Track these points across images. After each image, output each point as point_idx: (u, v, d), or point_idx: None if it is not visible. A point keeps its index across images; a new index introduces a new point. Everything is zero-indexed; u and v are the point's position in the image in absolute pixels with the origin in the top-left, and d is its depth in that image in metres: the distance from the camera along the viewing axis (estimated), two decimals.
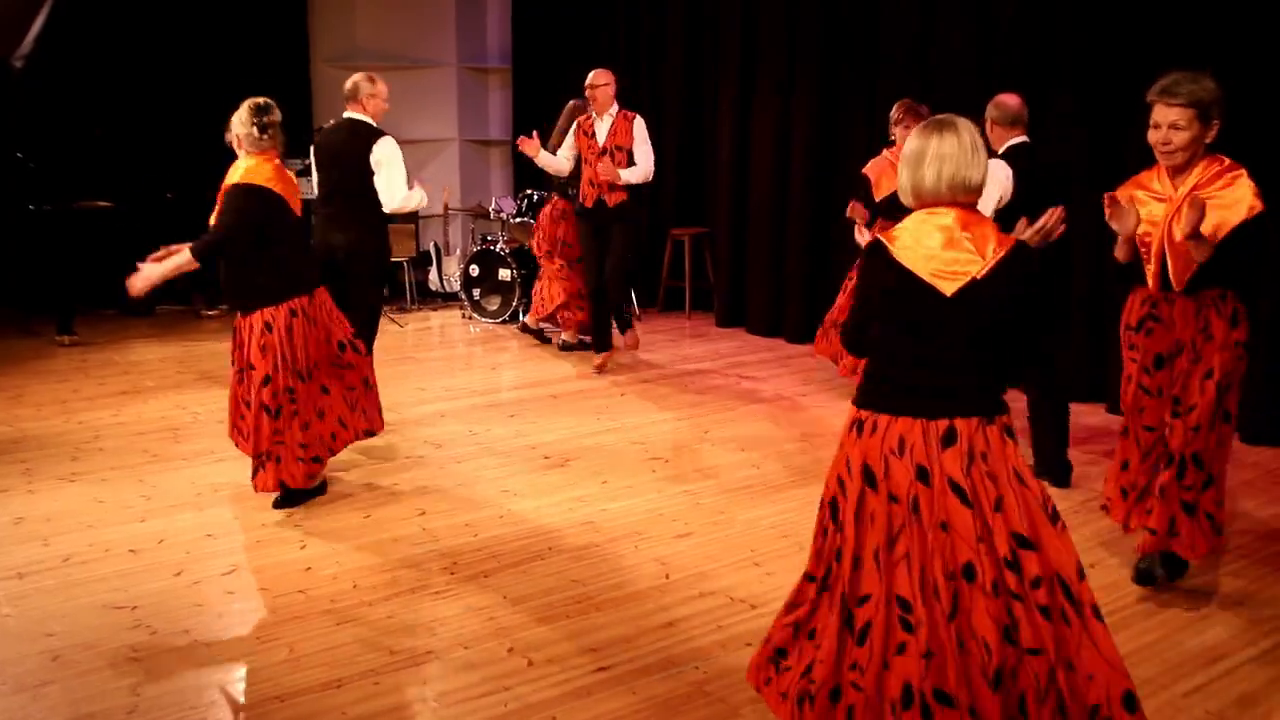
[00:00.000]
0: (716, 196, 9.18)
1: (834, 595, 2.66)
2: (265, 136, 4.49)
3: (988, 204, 4.62)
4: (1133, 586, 3.83)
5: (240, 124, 4.49)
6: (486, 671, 3.26)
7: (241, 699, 3.12)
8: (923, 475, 2.53)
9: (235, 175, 4.47)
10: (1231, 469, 5.18)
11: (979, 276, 2.53)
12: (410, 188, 5.51)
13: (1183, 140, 3.43)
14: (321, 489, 4.74)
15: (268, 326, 4.42)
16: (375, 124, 5.56)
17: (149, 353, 7.74)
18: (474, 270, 8.88)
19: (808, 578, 2.76)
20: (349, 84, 5.64)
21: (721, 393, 6.67)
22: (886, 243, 2.64)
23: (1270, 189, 3.40)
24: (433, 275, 9.89)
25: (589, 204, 6.92)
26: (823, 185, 7.90)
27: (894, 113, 5.99)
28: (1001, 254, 2.55)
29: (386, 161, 5.44)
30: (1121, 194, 3.60)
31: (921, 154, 2.60)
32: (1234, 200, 3.44)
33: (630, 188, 6.83)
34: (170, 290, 9.31)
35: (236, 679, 3.23)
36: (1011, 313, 2.56)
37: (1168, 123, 3.44)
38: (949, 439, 2.53)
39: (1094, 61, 6.15)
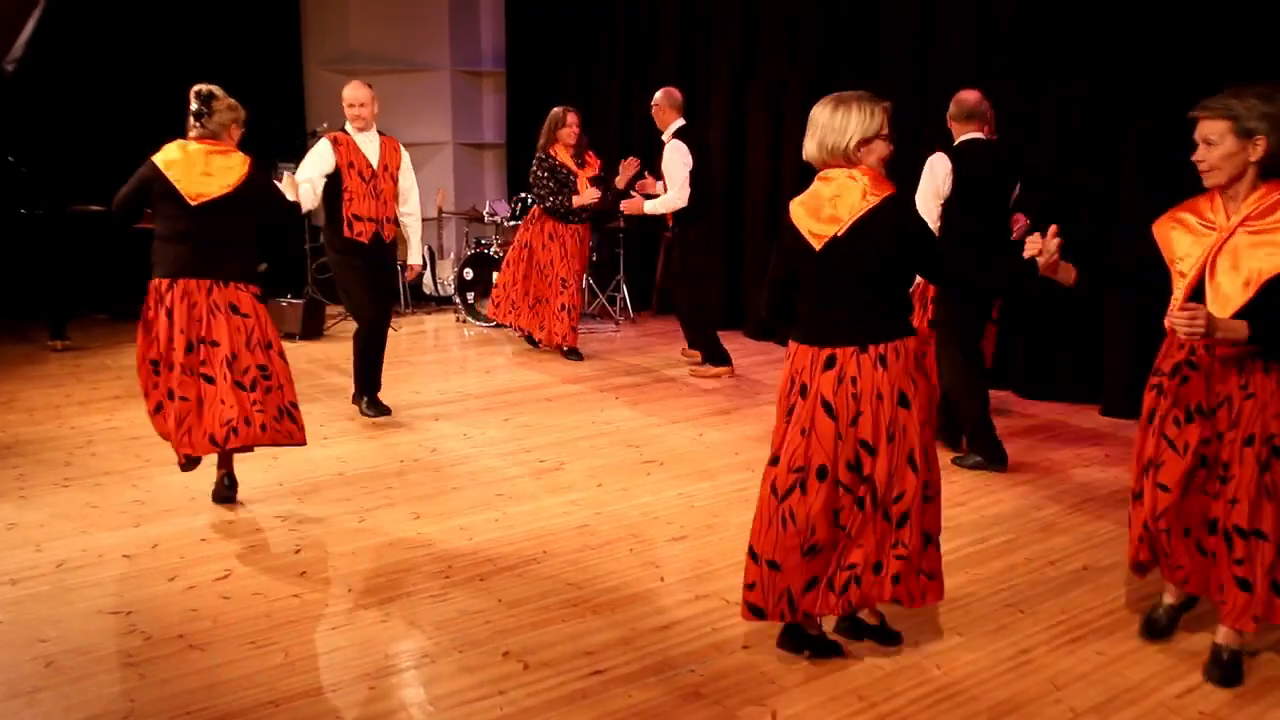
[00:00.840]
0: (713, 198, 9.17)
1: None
2: (198, 123, 4.76)
3: (924, 195, 5.24)
4: (1124, 590, 3.84)
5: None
6: (482, 675, 3.26)
7: (236, 705, 3.12)
8: (802, 391, 3.18)
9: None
10: None
11: (839, 235, 3.09)
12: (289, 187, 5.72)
13: (1215, 157, 3.08)
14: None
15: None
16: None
17: None
18: (468, 274, 8.88)
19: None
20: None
21: (715, 395, 6.68)
22: (790, 208, 3.24)
23: None
24: (427, 279, 9.89)
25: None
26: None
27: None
28: (861, 213, 3.07)
29: None
30: (1163, 223, 3.26)
31: (809, 125, 3.20)
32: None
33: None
34: None
35: (231, 684, 3.22)
36: (877, 262, 3.09)
37: (1201, 137, 3.11)
38: (829, 364, 3.14)
39: (1094, 61, 6.16)
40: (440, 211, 9.82)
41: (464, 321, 9.00)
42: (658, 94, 7.09)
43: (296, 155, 9.01)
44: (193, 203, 4.46)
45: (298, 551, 4.22)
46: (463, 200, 10.60)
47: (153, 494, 4.89)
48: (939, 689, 3.16)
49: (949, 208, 5.15)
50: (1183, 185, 3.36)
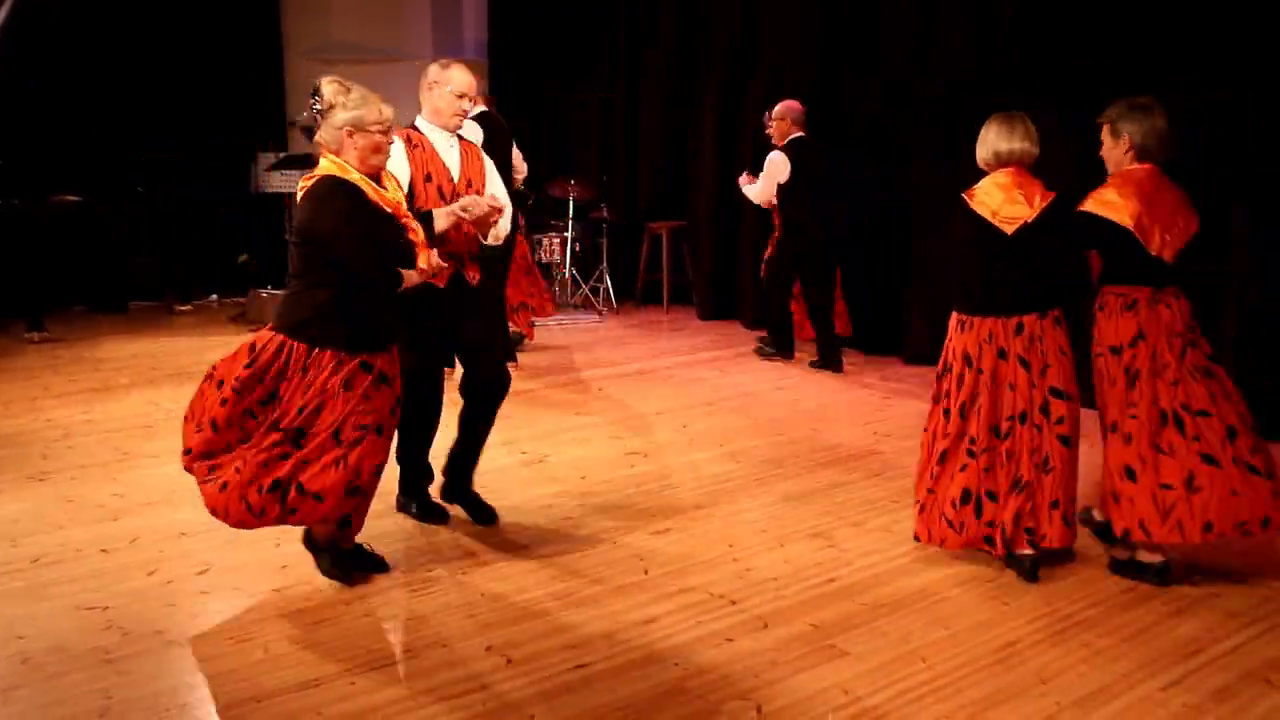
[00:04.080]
0: (699, 190, 9.17)
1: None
2: None
3: (765, 185, 6.97)
4: (1112, 580, 3.84)
5: None
6: (465, 670, 3.23)
7: (217, 700, 3.08)
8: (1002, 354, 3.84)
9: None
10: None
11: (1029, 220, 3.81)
12: None
13: (1103, 152, 3.93)
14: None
15: None
16: None
17: (121, 349, 7.66)
18: None
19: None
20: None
21: (700, 386, 6.66)
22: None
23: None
24: None
25: None
26: None
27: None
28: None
29: None
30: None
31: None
32: None
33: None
34: (142, 286, 9.28)
35: (211, 680, 3.18)
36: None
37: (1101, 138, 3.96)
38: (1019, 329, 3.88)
39: (1094, 60, 6.15)
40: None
41: None
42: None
43: (277, 145, 8.99)
44: None
45: (278, 545, 4.18)
46: None
47: (131, 488, 4.83)
48: (924, 682, 3.15)
49: (784, 195, 6.84)
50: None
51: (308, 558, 4.00)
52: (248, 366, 3.52)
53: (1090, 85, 6.13)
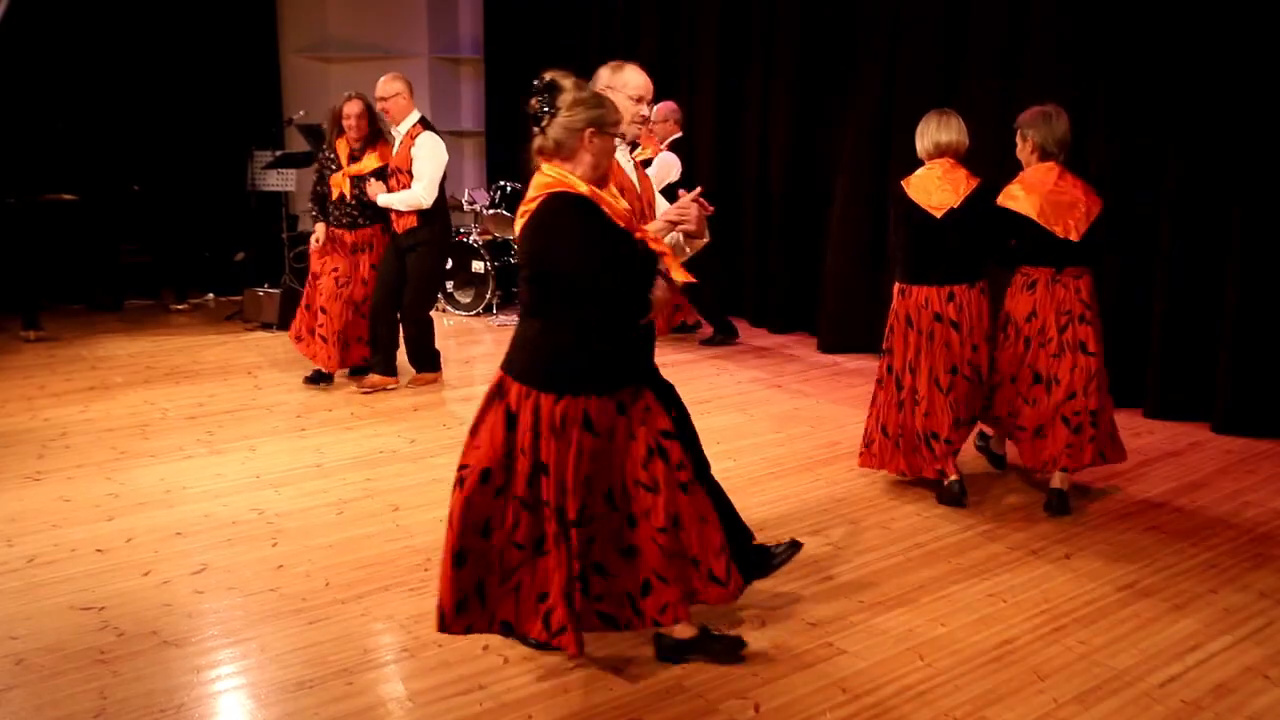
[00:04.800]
0: (696, 186, 9.14)
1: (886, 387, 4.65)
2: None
3: (660, 183, 6.64)
4: (1110, 576, 3.84)
5: None
6: (462, 669, 3.22)
7: (212, 701, 3.07)
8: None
9: None
10: (1204, 458, 5.24)
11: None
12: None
13: (1017, 152, 4.59)
14: None
15: None
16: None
17: (117, 348, 7.64)
18: (447, 263, 8.81)
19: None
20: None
21: (698, 384, 6.65)
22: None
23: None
24: None
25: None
26: (802, 178, 7.89)
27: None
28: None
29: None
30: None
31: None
32: None
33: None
34: (138, 284, 9.25)
35: (207, 680, 3.17)
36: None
37: None
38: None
39: (1070, 55, 6.16)
40: None
41: (443, 311, 8.93)
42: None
43: (273, 143, 8.96)
44: None
45: (274, 545, 4.17)
46: None
47: (127, 487, 4.82)
48: (922, 679, 3.15)
49: (667, 194, 6.47)
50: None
51: (303, 557, 3.99)
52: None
53: (1064, 76, 6.16)
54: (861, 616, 3.55)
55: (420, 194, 6.10)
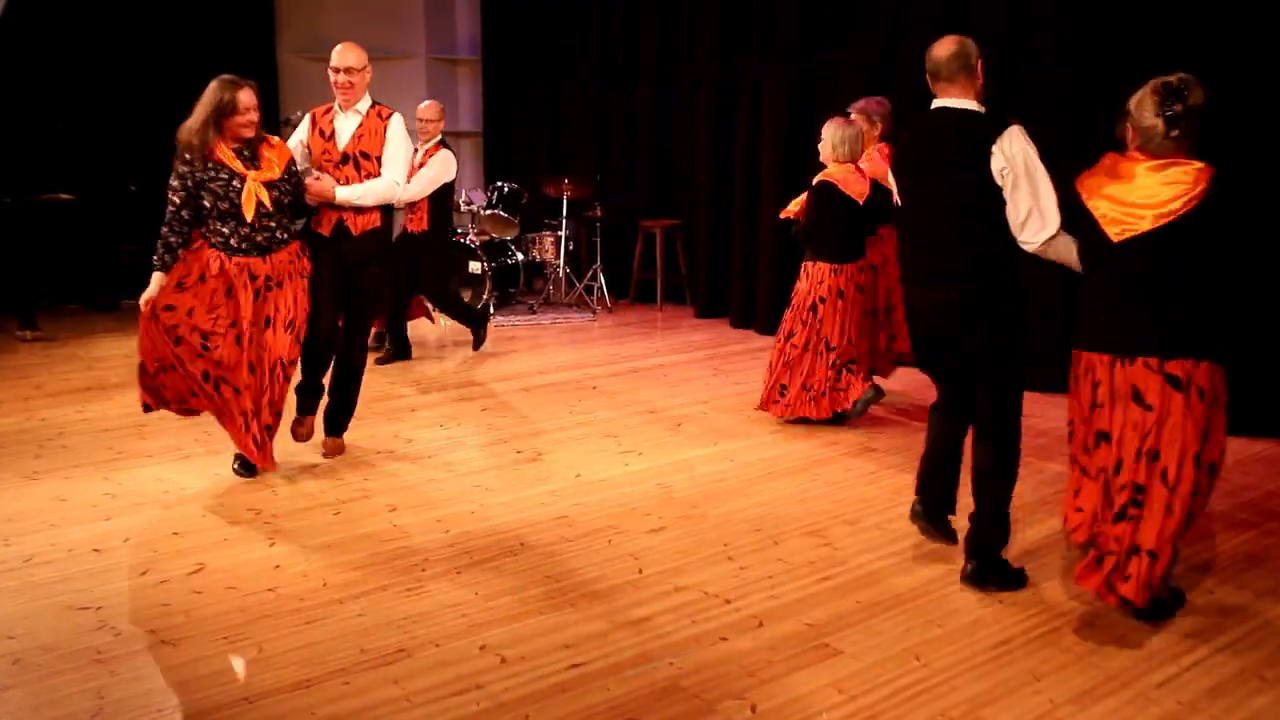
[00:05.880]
0: (693, 187, 9.16)
1: None
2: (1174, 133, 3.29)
3: (435, 180, 7.01)
4: None
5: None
6: (459, 669, 3.22)
7: (210, 701, 3.07)
8: None
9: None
10: None
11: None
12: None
13: None
14: None
15: None
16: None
17: (114, 348, 7.63)
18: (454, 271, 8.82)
19: None
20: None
21: (694, 385, 6.66)
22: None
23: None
24: None
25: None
26: (793, 178, 7.90)
27: None
28: None
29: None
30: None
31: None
32: None
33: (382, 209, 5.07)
34: (135, 284, 9.25)
35: (204, 680, 3.17)
36: None
37: None
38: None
39: (1072, 56, 6.17)
40: None
41: (441, 311, 8.92)
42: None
43: None
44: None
45: (271, 545, 4.17)
46: None
47: (124, 487, 4.82)
48: (919, 680, 3.15)
49: (442, 190, 7.18)
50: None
51: (301, 557, 3.99)
52: None
53: (1063, 64, 6.17)
54: (859, 617, 3.55)
55: (394, 183, 5.02)
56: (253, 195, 4.62)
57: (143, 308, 4.56)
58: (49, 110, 8.83)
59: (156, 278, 4.59)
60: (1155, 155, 3.30)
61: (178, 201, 4.64)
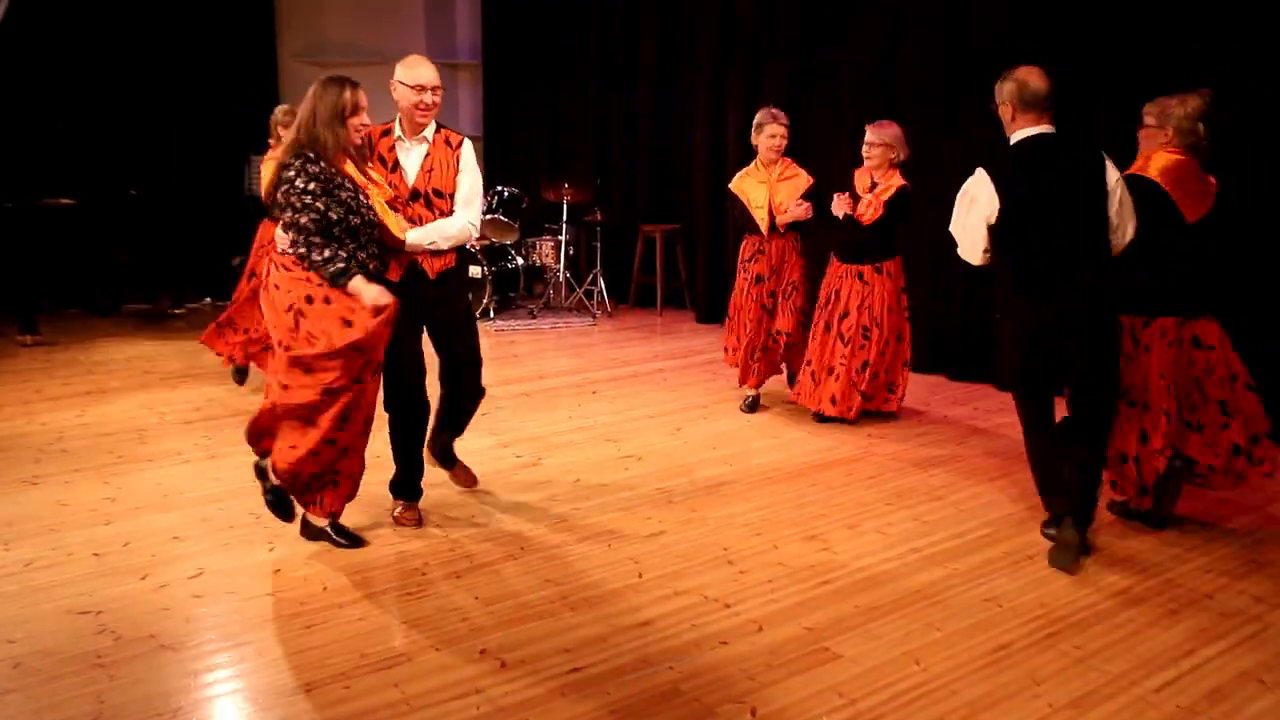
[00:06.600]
0: (692, 192, 9.17)
1: None
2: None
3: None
4: (1106, 581, 3.85)
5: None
6: (459, 673, 3.22)
7: (209, 705, 3.07)
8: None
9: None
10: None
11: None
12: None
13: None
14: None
15: None
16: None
17: (114, 352, 7.64)
18: None
19: None
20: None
21: (693, 389, 6.66)
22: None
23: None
24: None
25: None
26: None
27: None
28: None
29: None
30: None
31: None
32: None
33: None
34: (135, 289, 9.26)
35: (204, 684, 3.17)
36: None
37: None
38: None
39: (1073, 56, 6.18)
40: None
41: None
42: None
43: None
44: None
45: (271, 549, 4.17)
46: None
47: (124, 491, 4.82)
48: (918, 684, 3.15)
49: None
50: None
51: (301, 561, 3.99)
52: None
53: (1062, 64, 6.18)
54: (858, 621, 3.55)
55: (469, 224, 4.38)
56: (389, 213, 4.01)
57: (384, 308, 3.81)
58: (49, 113, 8.84)
59: (361, 280, 3.83)
60: (1195, 156, 4.15)
61: (321, 207, 3.80)
